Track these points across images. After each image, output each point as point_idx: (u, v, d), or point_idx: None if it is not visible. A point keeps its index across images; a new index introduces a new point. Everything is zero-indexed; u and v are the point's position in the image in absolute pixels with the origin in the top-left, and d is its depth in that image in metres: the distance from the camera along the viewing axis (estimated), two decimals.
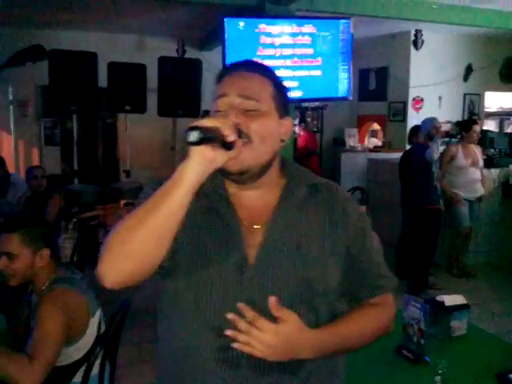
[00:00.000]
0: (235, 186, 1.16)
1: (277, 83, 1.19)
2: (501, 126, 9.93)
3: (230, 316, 1.03)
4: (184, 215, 1.00)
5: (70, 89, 5.88)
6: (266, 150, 1.12)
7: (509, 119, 10.00)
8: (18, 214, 3.54)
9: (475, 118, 7.41)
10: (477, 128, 5.45)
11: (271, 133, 1.13)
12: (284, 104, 1.18)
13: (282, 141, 1.17)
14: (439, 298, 2.15)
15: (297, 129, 8.08)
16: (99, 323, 2.05)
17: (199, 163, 0.98)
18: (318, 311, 1.13)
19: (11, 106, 7.66)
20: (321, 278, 1.12)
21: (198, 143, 0.95)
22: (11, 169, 6.09)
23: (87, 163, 6.82)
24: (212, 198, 1.14)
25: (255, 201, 1.15)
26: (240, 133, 1.02)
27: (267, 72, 1.19)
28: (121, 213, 6.49)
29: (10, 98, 7.64)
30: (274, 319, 1.03)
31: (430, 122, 5.04)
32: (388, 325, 1.22)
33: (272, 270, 1.09)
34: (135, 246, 0.99)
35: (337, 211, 1.18)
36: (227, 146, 0.97)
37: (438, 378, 1.39)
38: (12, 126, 7.69)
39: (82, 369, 1.95)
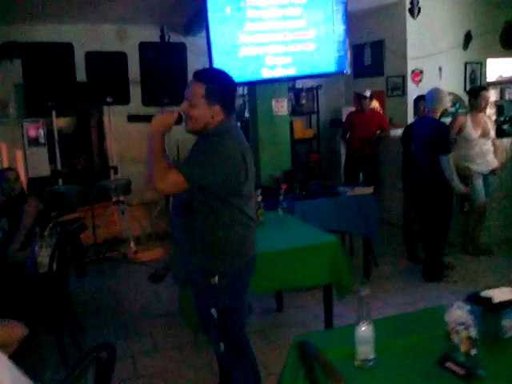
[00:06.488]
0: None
1: (208, 85, 2.18)
2: (501, 95, 9.57)
3: None
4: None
5: (46, 84, 5.48)
6: (198, 122, 2.21)
7: (510, 88, 9.62)
8: None
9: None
10: (485, 94, 5.04)
11: (200, 115, 2.19)
12: (214, 97, 2.18)
13: (213, 117, 2.21)
14: (484, 293, 1.76)
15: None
16: None
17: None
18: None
19: None
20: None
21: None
22: None
23: (71, 163, 6.37)
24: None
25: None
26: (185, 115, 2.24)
27: (203, 78, 2.21)
28: (112, 210, 6.11)
29: None
30: None
31: (435, 96, 4.46)
32: (161, 173, 2.13)
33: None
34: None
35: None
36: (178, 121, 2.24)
37: None
38: None
39: None
